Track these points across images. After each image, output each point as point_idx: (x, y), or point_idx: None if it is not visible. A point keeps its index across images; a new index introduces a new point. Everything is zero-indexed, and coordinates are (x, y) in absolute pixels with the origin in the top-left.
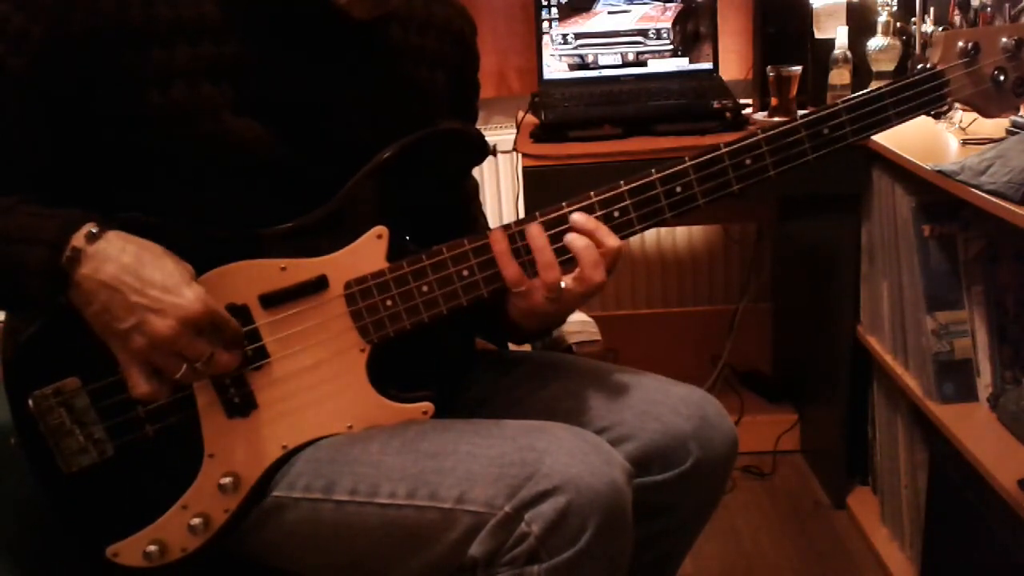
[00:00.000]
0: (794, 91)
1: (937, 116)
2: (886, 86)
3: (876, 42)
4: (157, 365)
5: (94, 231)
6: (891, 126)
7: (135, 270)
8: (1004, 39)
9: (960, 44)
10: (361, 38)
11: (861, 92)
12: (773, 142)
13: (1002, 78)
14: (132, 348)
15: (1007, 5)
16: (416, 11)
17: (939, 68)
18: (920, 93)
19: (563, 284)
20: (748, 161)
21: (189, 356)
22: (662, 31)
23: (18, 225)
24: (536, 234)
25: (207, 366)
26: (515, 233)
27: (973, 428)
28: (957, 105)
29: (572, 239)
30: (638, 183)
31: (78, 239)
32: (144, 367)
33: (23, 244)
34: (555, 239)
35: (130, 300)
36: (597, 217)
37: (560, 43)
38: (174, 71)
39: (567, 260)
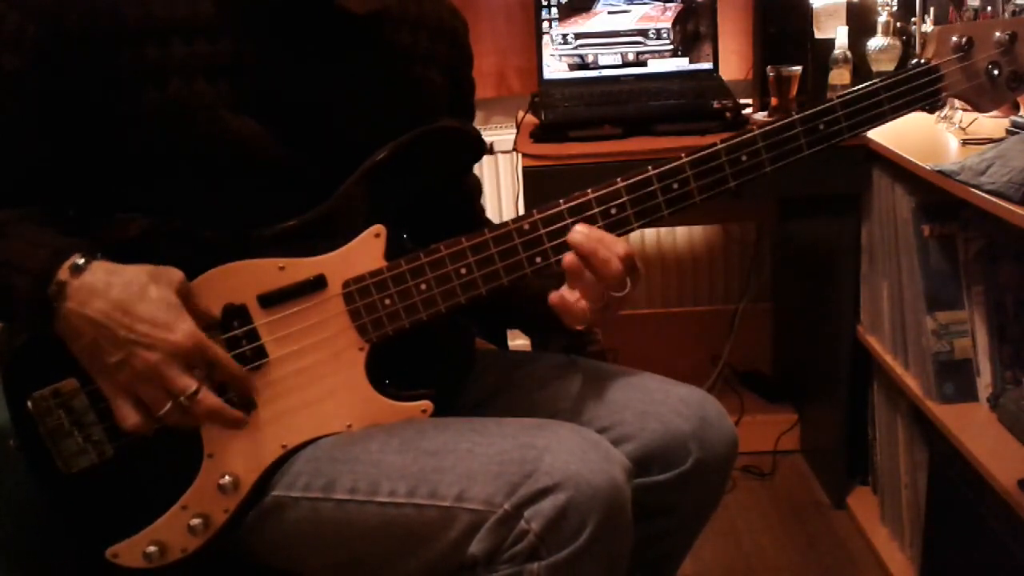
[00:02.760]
0: (794, 91)
1: (931, 110)
2: (880, 81)
3: (876, 42)
4: (142, 398)
5: (79, 263)
6: (886, 121)
7: (124, 306)
8: (998, 33)
9: (954, 39)
10: (356, 36)
11: (856, 87)
12: (769, 138)
13: (996, 72)
14: (118, 381)
15: (1005, 4)
16: (408, 10)
17: (933, 63)
18: (914, 88)
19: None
20: (744, 157)
21: (174, 389)
22: (662, 31)
23: (9, 248)
24: (581, 239)
25: (191, 402)
26: (521, 227)
27: (973, 428)
28: (957, 104)
29: (575, 267)
30: (635, 180)
31: (63, 272)
32: (130, 398)
33: (12, 269)
34: (554, 235)
35: (119, 335)
36: (594, 214)
37: (560, 43)
38: (170, 69)
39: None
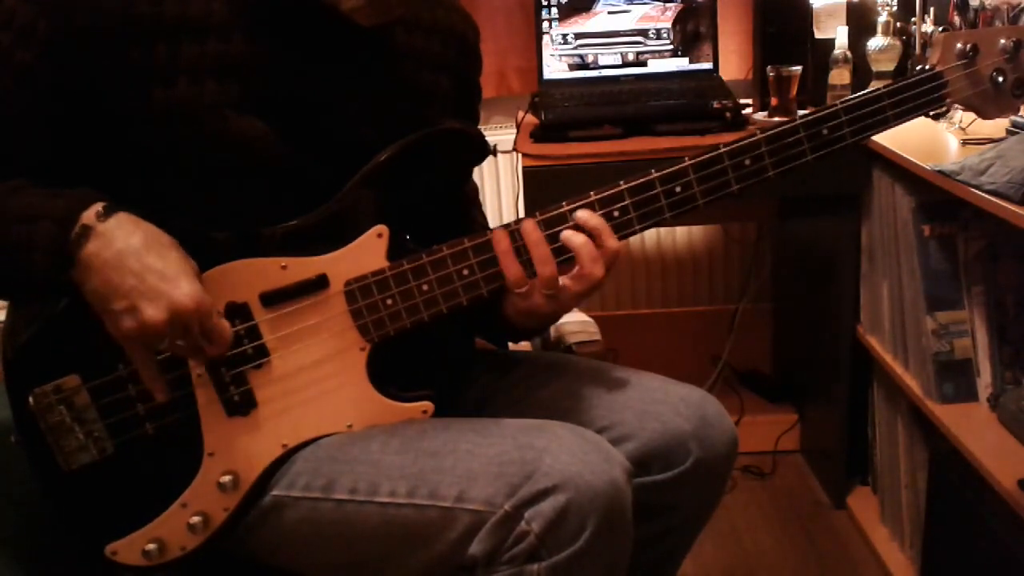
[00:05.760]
0: (794, 91)
1: (936, 117)
2: (885, 87)
3: (876, 42)
4: (144, 344)
5: (103, 209)
6: (890, 127)
7: (140, 254)
8: (1003, 40)
9: (959, 45)
10: (366, 40)
11: (860, 93)
12: (772, 142)
13: (1001, 79)
14: (122, 329)
15: (1005, 6)
16: (420, 15)
17: (938, 69)
18: (919, 94)
19: (560, 282)
20: (747, 162)
21: (175, 351)
22: (662, 31)
23: (26, 203)
24: (531, 229)
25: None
26: (515, 231)
27: (973, 428)
28: (956, 106)
29: (570, 235)
30: (638, 183)
31: (88, 216)
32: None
33: (30, 222)
34: (554, 238)
35: (127, 283)
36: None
37: (560, 43)
38: (179, 68)
39: (566, 260)
